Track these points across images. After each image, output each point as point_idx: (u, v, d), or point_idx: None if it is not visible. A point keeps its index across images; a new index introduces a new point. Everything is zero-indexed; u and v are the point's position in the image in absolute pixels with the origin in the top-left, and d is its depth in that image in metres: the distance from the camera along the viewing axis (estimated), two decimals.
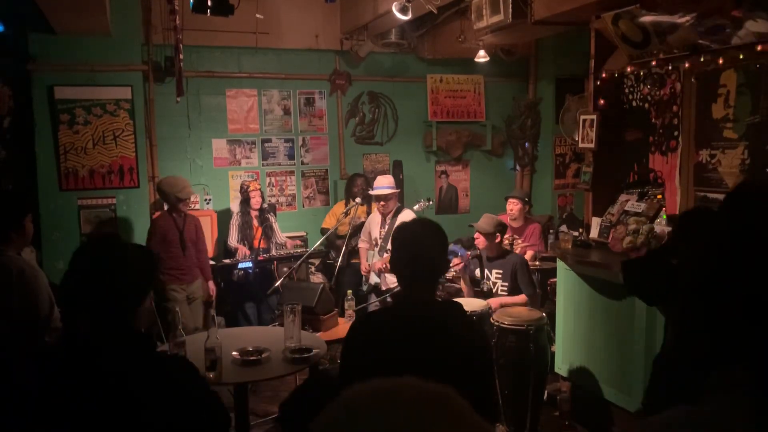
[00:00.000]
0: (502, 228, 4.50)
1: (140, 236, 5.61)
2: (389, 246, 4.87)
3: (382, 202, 5.00)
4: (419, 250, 2.00)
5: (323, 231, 5.94)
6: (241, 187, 5.74)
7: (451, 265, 5.06)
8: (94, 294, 1.66)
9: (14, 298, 2.78)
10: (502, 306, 4.21)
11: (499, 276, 4.45)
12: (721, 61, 3.44)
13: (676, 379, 2.11)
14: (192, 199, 6.15)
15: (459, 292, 4.84)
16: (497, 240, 4.45)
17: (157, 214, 5.33)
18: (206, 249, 5.28)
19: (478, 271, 4.54)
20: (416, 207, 5.30)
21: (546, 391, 4.18)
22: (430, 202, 5.51)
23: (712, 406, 1.05)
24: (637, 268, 2.83)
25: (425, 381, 0.74)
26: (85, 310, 1.68)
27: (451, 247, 5.61)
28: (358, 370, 1.95)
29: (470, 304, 4.15)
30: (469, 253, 4.76)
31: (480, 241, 4.51)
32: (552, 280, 4.86)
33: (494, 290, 4.44)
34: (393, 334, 1.93)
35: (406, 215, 5.00)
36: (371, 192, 5.20)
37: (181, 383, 1.67)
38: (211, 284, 5.23)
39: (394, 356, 1.80)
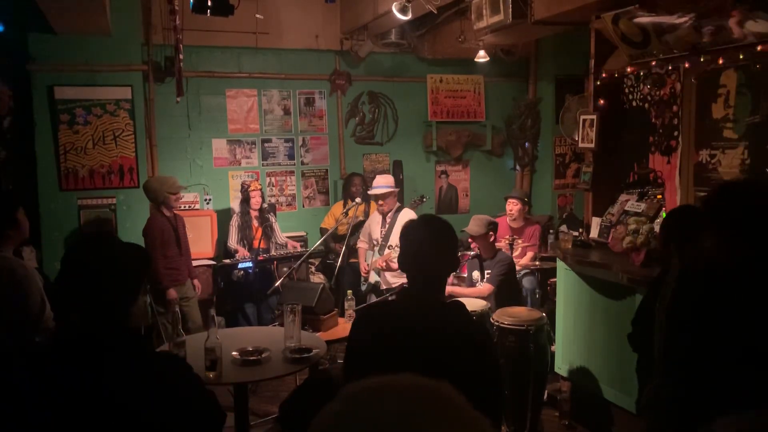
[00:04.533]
0: (493, 226, 4.49)
1: (140, 236, 5.60)
2: (389, 244, 4.90)
3: (380, 201, 5.01)
4: (424, 249, 1.98)
5: (322, 231, 5.94)
6: (242, 187, 5.74)
7: None
8: (85, 291, 1.66)
9: (3, 297, 2.78)
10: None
11: (489, 276, 4.46)
12: (721, 61, 3.44)
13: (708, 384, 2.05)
14: (191, 198, 6.18)
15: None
16: (491, 239, 4.45)
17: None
18: (189, 248, 5.21)
19: (475, 273, 4.54)
20: (410, 206, 5.30)
21: (546, 391, 4.18)
22: (424, 200, 5.49)
23: None
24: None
25: (421, 377, 0.75)
26: (77, 308, 1.68)
27: None
28: (359, 367, 1.96)
29: (469, 304, 4.15)
30: (468, 254, 4.76)
31: (475, 246, 4.53)
32: (552, 280, 4.86)
33: None
34: (395, 331, 1.93)
35: (407, 215, 5.00)
36: (369, 191, 5.20)
37: (173, 382, 1.66)
38: (197, 282, 5.17)
39: (394, 353, 1.80)
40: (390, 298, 4.70)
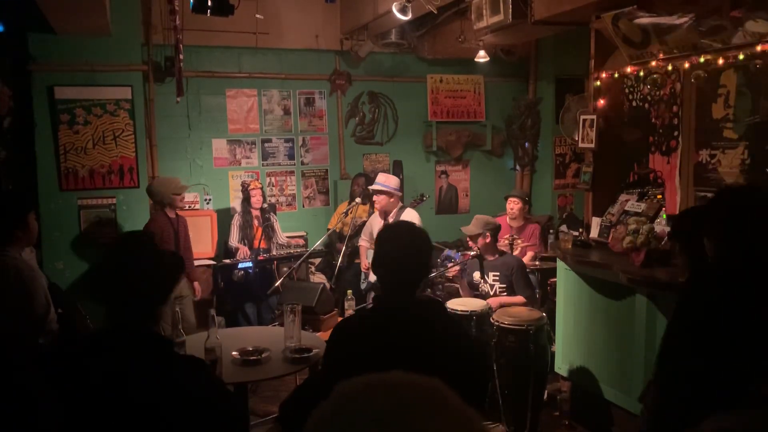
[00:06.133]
0: (491, 228, 4.46)
1: None
2: None
3: (375, 197, 5.00)
4: (393, 255, 2.04)
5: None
6: (243, 186, 5.75)
7: (447, 268, 5.07)
8: (119, 288, 1.69)
9: (9, 297, 2.78)
10: (502, 305, 4.21)
11: (497, 278, 4.44)
12: (721, 61, 3.44)
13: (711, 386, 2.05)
14: (191, 198, 6.18)
15: (458, 292, 4.83)
16: (487, 240, 4.43)
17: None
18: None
19: (476, 274, 4.52)
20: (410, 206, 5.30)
21: (546, 391, 4.18)
22: (425, 198, 5.48)
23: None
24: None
25: (413, 374, 0.75)
26: (107, 304, 1.70)
27: (447, 252, 5.60)
28: (340, 370, 1.97)
29: (470, 304, 4.15)
30: (468, 253, 4.76)
31: (472, 244, 4.52)
32: (552, 280, 4.85)
33: (492, 293, 4.44)
34: (373, 333, 1.97)
35: (408, 215, 5.00)
36: (370, 187, 5.20)
37: (194, 385, 1.66)
38: (197, 284, 5.15)
39: (375, 355, 1.82)
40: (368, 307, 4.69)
